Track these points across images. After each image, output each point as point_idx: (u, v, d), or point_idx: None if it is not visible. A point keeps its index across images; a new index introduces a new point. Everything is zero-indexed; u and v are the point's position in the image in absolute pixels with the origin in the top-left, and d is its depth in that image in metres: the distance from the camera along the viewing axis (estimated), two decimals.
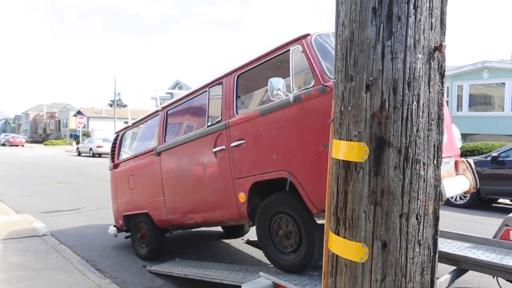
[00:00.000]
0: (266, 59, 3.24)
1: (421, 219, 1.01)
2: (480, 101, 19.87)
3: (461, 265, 3.39)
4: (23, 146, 44.55)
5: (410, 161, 0.99)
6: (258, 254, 4.92)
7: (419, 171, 0.99)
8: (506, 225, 3.57)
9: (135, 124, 5.36)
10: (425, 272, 1.05)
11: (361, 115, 1.02)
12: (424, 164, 1.01)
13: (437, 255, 1.09)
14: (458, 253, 3.38)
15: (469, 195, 8.40)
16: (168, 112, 4.54)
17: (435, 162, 1.04)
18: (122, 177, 5.24)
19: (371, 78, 1.00)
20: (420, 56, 0.98)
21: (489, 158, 8.39)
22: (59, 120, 63.27)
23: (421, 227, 1.01)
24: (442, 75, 1.07)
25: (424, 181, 1.01)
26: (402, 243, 1.00)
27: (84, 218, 7.44)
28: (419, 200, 1.00)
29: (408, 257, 1.00)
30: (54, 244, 5.46)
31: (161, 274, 4.31)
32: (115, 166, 5.49)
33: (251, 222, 3.42)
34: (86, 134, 40.51)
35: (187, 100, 4.30)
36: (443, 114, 1.10)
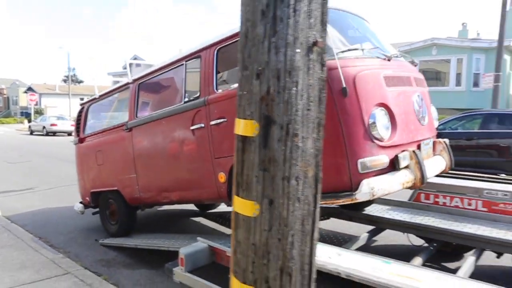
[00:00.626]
0: None
1: (300, 181, 1.27)
2: (430, 77, 20.90)
3: (378, 225, 3.85)
4: None
5: (290, 135, 1.24)
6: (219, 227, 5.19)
7: (298, 143, 1.24)
8: (419, 189, 4.03)
9: (102, 97, 5.10)
10: (305, 222, 1.32)
11: (252, 98, 1.26)
12: (303, 137, 1.26)
13: (317, 209, 1.37)
14: (376, 214, 3.83)
15: None
16: (140, 85, 4.32)
17: (314, 135, 1.30)
18: (89, 152, 5.04)
19: (260, 68, 1.23)
20: (298, 50, 1.22)
21: None
22: (8, 97, 59.45)
23: (300, 187, 1.28)
24: (322, 65, 1.32)
25: (302, 151, 1.27)
26: (284, 200, 1.26)
27: (37, 198, 7.37)
28: (297, 166, 1.26)
29: (289, 211, 1.27)
30: (5, 224, 5.45)
31: (114, 247, 4.49)
32: (81, 140, 5.23)
33: (230, 202, 3.50)
34: (39, 112, 38.54)
35: (161, 73, 4.11)
36: (324, 96, 1.35)
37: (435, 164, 3.19)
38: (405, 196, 4.29)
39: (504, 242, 3.14)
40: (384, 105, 2.68)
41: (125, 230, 4.65)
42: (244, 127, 1.29)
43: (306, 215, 1.34)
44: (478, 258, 3.25)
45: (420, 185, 2.83)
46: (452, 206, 3.89)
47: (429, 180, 3.99)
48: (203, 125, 3.36)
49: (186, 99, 3.60)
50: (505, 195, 3.61)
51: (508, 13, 17.03)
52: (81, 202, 5.29)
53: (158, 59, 4.12)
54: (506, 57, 17.60)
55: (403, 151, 2.73)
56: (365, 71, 2.64)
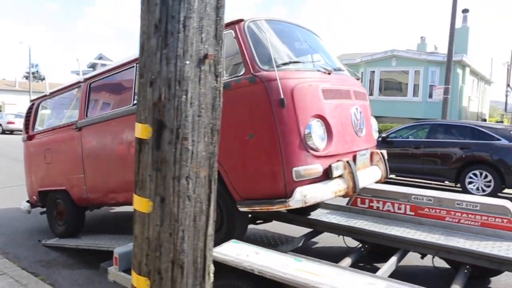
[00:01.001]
0: None
1: (190, 180, 1.39)
2: (390, 87, 21.73)
3: (316, 227, 4.04)
4: None
5: (180, 139, 1.36)
6: None
7: (188, 146, 1.37)
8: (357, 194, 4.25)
9: (52, 94, 5.03)
10: (197, 219, 1.45)
11: (147, 104, 1.37)
12: (193, 141, 1.39)
13: (211, 207, 1.50)
14: (315, 218, 4.01)
15: None
16: (91, 85, 4.32)
17: (206, 139, 1.43)
18: (37, 150, 4.96)
19: (153, 77, 1.35)
20: (188, 62, 1.35)
21: (380, 139, 9.44)
22: None
23: (190, 187, 1.40)
24: (216, 75, 1.46)
25: (193, 153, 1.39)
26: (175, 198, 1.38)
27: None
28: (187, 167, 1.38)
29: (179, 208, 1.39)
30: None
31: (57, 248, 4.46)
32: (30, 137, 5.14)
33: None
34: None
35: (113, 74, 4.13)
36: (219, 104, 1.49)
37: (371, 174, 3.33)
38: (345, 200, 4.53)
39: (425, 244, 3.38)
40: (320, 117, 2.79)
41: (72, 231, 4.62)
42: (140, 130, 1.40)
43: (198, 213, 1.46)
44: (401, 258, 3.50)
45: (352, 194, 2.94)
46: (385, 210, 4.14)
47: (366, 186, 4.25)
48: None
49: (135, 101, 3.64)
50: (429, 200, 3.90)
51: (460, 30, 18.04)
52: (28, 201, 5.20)
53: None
54: (459, 71, 18.62)
55: (338, 161, 2.85)
56: (303, 83, 2.75)
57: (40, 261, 4.13)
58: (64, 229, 4.68)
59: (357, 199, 4.36)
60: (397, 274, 3.86)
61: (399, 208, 4.05)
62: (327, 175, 2.77)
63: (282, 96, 2.60)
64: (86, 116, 4.28)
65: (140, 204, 1.43)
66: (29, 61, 36.71)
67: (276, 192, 2.66)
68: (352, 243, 4.09)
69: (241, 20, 2.93)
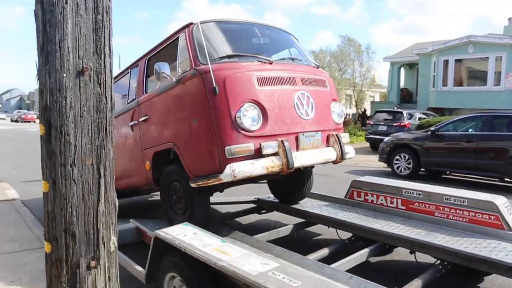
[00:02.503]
0: (167, 43, 3.84)
1: (74, 167, 1.78)
2: (468, 76, 19.95)
3: (308, 219, 4.18)
4: (34, 122, 46.19)
5: (63, 134, 1.75)
6: None
7: (69, 140, 1.76)
8: (352, 187, 4.32)
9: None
10: (86, 198, 1.83)
11: (41, 108, 1.79)
12: (75, 136, 1.77)
13: (101, 188, 1.87)
14: (307, 209, 4.15)
15: (411, 167, 9.05)
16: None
17: (90, 135, 1.80)
18: None
19: (41, 87, 1.76)
20: (65, 75, 1.73)
21: (429, 132, 8.96)
22: None
23: (75, 172, 1.78)
24: (99, 83, 1.82)
25: (75, 146, 1.77)
26: (62, 180, 1.78)
27: None
28: (71, 157, 1.77)
29: (67, 189, 1.78)
30: (18, 207, 6.44)
31: None
32: None
33: (158, 188, 4.01)
34: None
35: (120, 77, 4.90)
36: (105, 105, 1.85)
37: (319, 153, 3.50)
38: (343, 193, 4.58)
39: (400, 238, 3.36)
40: (254, 101, 3.11)
41: None
42: (40, 129, 1.82)
43: (87, 193, 1.84)
44: (378, 251, 3.53)
45: (287, 170, 3.15)
46: (378, 204, 4.13)
47: (363, 179, 4.27)
48: (136, 122, 4.02)
49: (129, 100, 4.24)
50: (419, 194, 3.81)
51: None
52: None
53: None
54: None
55: (272, 140, 3.13)
56: (236, 73, 3.10)
57: None
58: None
59: (353, 192, 4.39)
60: (387, 267, 3.87)
61: (391, 202, 4.02)
62: (260, 153, 3.03)
63: (214, 85, 2.98)
64: None
65: (43, 185, 1.85)
66: (119, 68, 40.71)
67: (214, 169, 3.04)
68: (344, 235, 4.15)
69: (191, 24, 3.42)
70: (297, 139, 3.32)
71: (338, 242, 3.88)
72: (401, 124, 13.86)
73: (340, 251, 3.68)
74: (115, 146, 4.48)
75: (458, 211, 3.52)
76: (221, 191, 3.89)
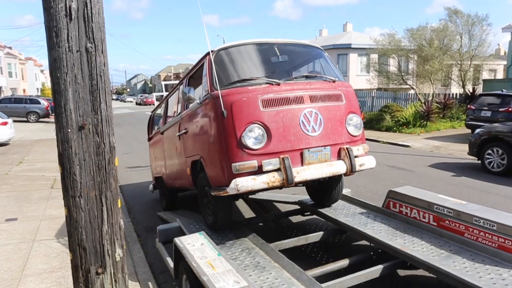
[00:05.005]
0: (198, 67, 4.35)
1: (81, 198, 2.34)
2: None
3: (340, 226, 4.29)
4: (154, 104, 51.86)
5: (71, 174, 2.32)
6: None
7: (76, 178, 2.32)
8: (389, 197, 4.29)
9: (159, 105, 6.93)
10: (92, 221, 2.39)
11: (58, 154, 2.38)
12: (80, 175, 2.32)
13: (104, 215, 2.41)
14: (340, 218, 4.26)
15: (505, 163, 8.15)
16: (168, 101, 5.95)
17: (91, 174, 2.34)
18: (151, 147, 6.98)
19: (56, 138, 2.34)
20: (70, 130, 2.27)
21: None
22: None
23: (82, 202, 2.35)
24: (97, 133, 2.33)
25: (80, 182, 2.33)
26: (74, 208, 2.36)
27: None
28: (78, 191, 2.33)
29: (77, 214, 2.36)
30: None
31: (163, 219, 6.08)
32: (149, 139, 7.32)
33: (195, 189, 4.60)
34: None
35: (172, 93, 5.62)
36: (103, 149, 2.37)
37: (326, 167, 3.56)
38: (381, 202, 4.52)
39: (417, 260, 3.30)
40: (259, 122, 3.37)
41: (168, 206, 6.27)
42: (59, 169, 2.42)
43: (92, 217, 2.40)
44: (394, 267, 3.53)
45: (287, 185, 3.36)
46: (411, 217, 4.03)
47: (398, 190, 4.23)
48: (180, 133, 4.57)
49: (178, 113, 4.83)
50: (449, 212, 3.63)
51: None
52: (153, 184, 7.21)
53: None
54: None
55: (274, 158, 3.37)
56: (241, 98, 3.40)
57: (147, 227, 5.82)
58: (164, 204, 6.38)
59: (390, 202, 4.34)
60: (413, 282, 3.82)
61: (424, 217, 3.90)
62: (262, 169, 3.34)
63: (223, 109, 3.36)
64: (164, 123, 5.81)
65: (64, 210, 2.46)
66: None
67: (224, 182, 3.42)
68: None
69: (208, 53, 3.78)
70: (301, 154, 3.48)
71: (363, 253, 3.94)
72: (510, 109, 12.19)
73: (362, 262, 3.76)
74: (170, 152, 5.38)
75: (487, 234, 3.28)
76: (246, 196, 4.22)
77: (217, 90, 3.42)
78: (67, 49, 2.23)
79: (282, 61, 3.95)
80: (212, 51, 3.76)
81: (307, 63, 4.21)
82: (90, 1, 2.25)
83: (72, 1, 2.20)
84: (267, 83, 3.56)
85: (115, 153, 2.52)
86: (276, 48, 3.92)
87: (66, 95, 2.26)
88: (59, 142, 2.33)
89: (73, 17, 2.21)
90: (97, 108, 2.33)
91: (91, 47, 2.29)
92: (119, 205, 2.58)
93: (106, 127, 2.39)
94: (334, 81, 3.90)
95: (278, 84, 3.54)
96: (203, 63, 3.94)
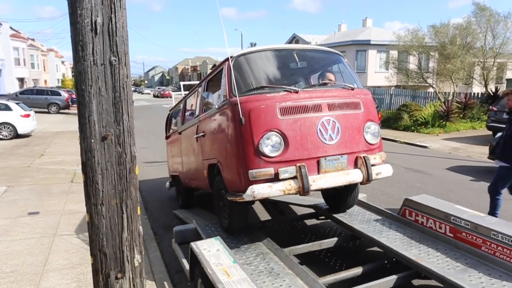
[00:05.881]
0: (217, 71, 4.40)
1: (103, 206, 2.42)
2: None
3: (354, 233, 4.28)
4: (170, 97, 52.39)
5: (94, 183, 2.40)
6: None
7: (98, 187, 2.40)
8: (405, 205, 4.27)
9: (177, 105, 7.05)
10: (113, 228, 2.47)
11: (82, 163, 2.45)
12: (103, 184, 2.40)
13: (124, 221, 2.49)
14: (354, 224, 4.26)
15: None
16: (186, 101, 6.01)
17: (113, 183, 2.41)
18: (170, 144, 7.06)
19: (81, 148, 2.42)
20: (93, 140, 2.35)
21: None
22: (200, 73, 70.73)
23: (104, 209, 2.42)
24: (119, 143, 2.40)
25: (102, 191, 2.41)
26: (95, 215, 2.44)
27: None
28: (100, 199, 2.41)
29: (99, 221, 2.44)
30: None
31: (179, 217, 6.18)
32: (167, 137, 7.42)
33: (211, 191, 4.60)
34: None
35: (191, 94, 5.70)
36: (124, 159, 2.43)
37: (342, 176, 3.56)
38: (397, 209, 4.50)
39: (431, 272, 3.28)
40: (276, 130, 3.39)
41: (184, 204, 6.40)
42: (81, 176, 2.50)
43: (113, 225, 2.47)
44: (409, 278, 3.53)
45: (303, 193, 3.37)
46: (427, 227, 4.01)
47: (414, 199, 4.21)
48: (198, 135, 4.61)
49: (196, 115, 4.89)
50: (467, 224, 3.59)
51: None
52: (170, 182, 7.31)
53: None
54: None
55: (291, 165, 3.38)
56: (260, 105, 3.42)
57: (163, 224, 5.93)
58: (181, 202, 6.52)
59: (406, 211, 4.32)
60: None
61: (440, 227, 3.88)
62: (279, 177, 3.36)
63: (241, 116, 3.37)
64: (182, 124, 5.90)
65: (87, 217, 2.54)
66: (241, 45, 43.06)
67: (241, 188, 3.44)
68: None
69: (229, 58, 3.77)
70: (318, 163, 3.49)
71: (377, 261, 3.94)
72: None
73: (376, 271, 3.76)
74: (188, 152, 5.45)
75: (505, 249, 3.24)
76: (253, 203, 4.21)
77: (236, 96, 3.44)
78: (92, 63, 2.29)
79: (301, 67, 3.95)
80: (231, 57, 3.78)
81: (326, 69, 4.19)
82: (115, 16, 2.30)
83: (97, 16, 2.25)
84: (285, 90, 3.57)
85: (136, 162, 2.58)
86: (295, 54, 3.92)
87: (90, 107, 2.33)
88: (82, 151, 2.40)
89: (98, 31, 2.27)
90: (119, 119, 2.39)
91: (115, 60, 2.34)
92: (139, 212, 2.66)
93: (127, 137, 2.45)
94: (352, 89, 3.88)
95: (297, 92, 3.55)
96: (222, 68, 3.97)
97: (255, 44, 47.73)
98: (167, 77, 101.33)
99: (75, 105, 2.44)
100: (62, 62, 62.23)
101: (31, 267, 4.39)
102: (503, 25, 17.54)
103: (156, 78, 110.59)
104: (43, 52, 48.23)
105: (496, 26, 17.61)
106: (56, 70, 56.45)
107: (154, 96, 59.52)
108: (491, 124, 13.02)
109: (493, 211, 5.00)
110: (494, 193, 5.03)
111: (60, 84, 50.92)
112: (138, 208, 2.65)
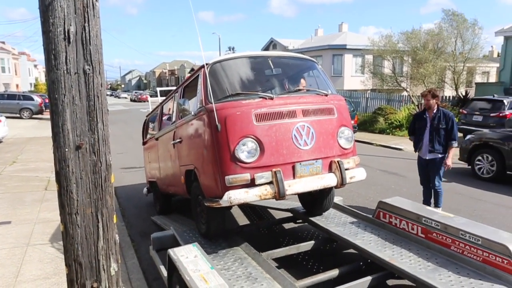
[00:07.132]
0: (193, 78, 4.41)
1: (77, 215, 2.39)
2: None
3: (331, 236, 4.37)
4: (147, 101, 51.72)
5: (68, 192, 2.37)
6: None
7: (73, 196, 2.37)
8: (379, 208, 4.38)
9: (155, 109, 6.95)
10: (88, 237, 2.45)
11: (55, 172, 2.43)
12: (77, 193, 2.38)
13: (100, 231, 2.47)
14: (330, 227, 4.34)
15: (494, 169, 8.28)
16: (162, 107, 5.98)
17: (87, 192, 2.40)
18: (148, 150, 7.04)
19: (54, 157, 2.39)
20: (67, 149, 2.33)
21: None
22: (178, 77, 70.19)
23: (78, 218, 2.40)
24: (94, 152, 2.39)
25: (77, 200, 2.38)
26: (70, 225, 2.41)
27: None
28: (74, 208, 2.39)
29: (73, 230, 2.42)
30: None
31: (157, 223, 6.13)
32: (144, 143, 7.34)
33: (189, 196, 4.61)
34: None
35: (167, 100, 5.70)
36: (99, 168, 2.42)
37: (317, 180, 3.63)
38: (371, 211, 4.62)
39: (403, 272, 3.39)
40: (252, 136, 3.43)
41: (162, 210, 6.37)
42: (56, 186, 2.47)
43: (88, 234, 2.45)
44: (383, 278, 3.63)
45: (279, 198, 3.42)
46: (401, 228, 4.13)
47: (388, 201, 4.32)
48: (175, 141, 4.61)
49: (173, 121, 4.90)
50: (437, 225, 3.73)
51: None
52: (147, 188, 7.26)
53: None
54: None
55: (267, 171, 3.43)
56: (235, 112, 3.46)
57: (141, 231, 5.87)
58: (158, 208, 6.46)
59: (380, 213, 4.43)
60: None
61: (412, 229, 4.00)
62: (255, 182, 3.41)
63: (217, 123, 3.41)
64: (159, 130, 5.91)
65: (61, 227, 2.51)
66: (219, 50, 43.07)
67: (218, 193, 3.47)
68: None
69: (203, 66, 3.82)
70: (293, 168, 3.54)
71: (353, 263, 4.03)
72: (501, 114, 12.37)
73: (352, 272, 3.84)
74: (165, 158, 5.44)
75: (472, 248, 3.39)
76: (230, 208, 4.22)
77: (211, 103, 3.47)
78: (65, 71, 2.27)
79: (276, 73, 4.02)
80: (206, 64, 3.81)
81: (301, 75, 4.28)
82: (89, 24, 2.30)
83: (70, 25, 2.24)
84: (260, 97, 3.62)
85: (111, 170, 2.57)
86: (270, 61, 3.99)
87: (64, 116, 2.31)
88: (56, 161, 2.38)
89: (71, 40, 2.26)
90: (94, 128, 2.38)
91: (89, 69, 2.34)
92: (115, 221, 2.65)
93: (102, 146, 2.44)
94: (326, 95, 3.97)
95: (272, 99, 3.60)
96: (198, 75, 3.99)
97: (233, 48, 47.78)
98: (145, 81, 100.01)
99: (49, 110, 2.42)
100: (35, 66, 60.54)
101: (2, 279, 4.26)
102: (471, 32, 18.23)
103: (133, 82, 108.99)
104: (14, 56, 46.77)
105: (465, 32, 18.28)
106: (29, 74, 54.85)
107: (131, 100, 58.66)
108: (461, 126, 13.47)
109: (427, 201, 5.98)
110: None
111: (33, 89, 49.48)
112: (114, 216, 2.64)
